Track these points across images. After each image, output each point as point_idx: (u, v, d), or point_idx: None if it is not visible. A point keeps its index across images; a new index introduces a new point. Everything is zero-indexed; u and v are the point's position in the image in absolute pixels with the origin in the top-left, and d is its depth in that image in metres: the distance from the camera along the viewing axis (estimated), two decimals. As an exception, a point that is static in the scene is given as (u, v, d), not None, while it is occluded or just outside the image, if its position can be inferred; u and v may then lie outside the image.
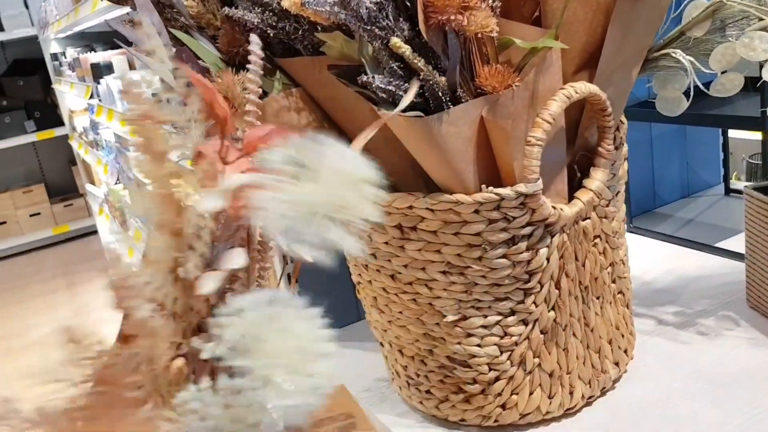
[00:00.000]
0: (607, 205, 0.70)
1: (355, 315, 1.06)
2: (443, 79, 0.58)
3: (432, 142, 0.60)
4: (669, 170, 1.33)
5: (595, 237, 0.70)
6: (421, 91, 0.58)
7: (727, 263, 1.03)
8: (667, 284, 1.00)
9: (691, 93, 0.72)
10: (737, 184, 1.39)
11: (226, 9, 0.62)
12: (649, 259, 1.08)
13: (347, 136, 0.69)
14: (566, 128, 0.67)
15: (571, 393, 0.72)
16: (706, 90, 0.72)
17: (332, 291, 1.04)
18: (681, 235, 1.17)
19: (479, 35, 0.59)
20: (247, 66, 0.48)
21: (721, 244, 1.11)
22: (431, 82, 0.57)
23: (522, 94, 0.61)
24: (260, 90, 0.48)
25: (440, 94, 0.57)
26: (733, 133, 1.70)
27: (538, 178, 0.61)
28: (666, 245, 1.15)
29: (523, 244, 0.64)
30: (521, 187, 0.61)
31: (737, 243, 1.01)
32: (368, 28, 0.53)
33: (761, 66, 0.68)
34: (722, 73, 0.72)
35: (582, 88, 0.61)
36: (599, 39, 0.64)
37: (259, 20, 0.61)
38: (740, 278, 0.91)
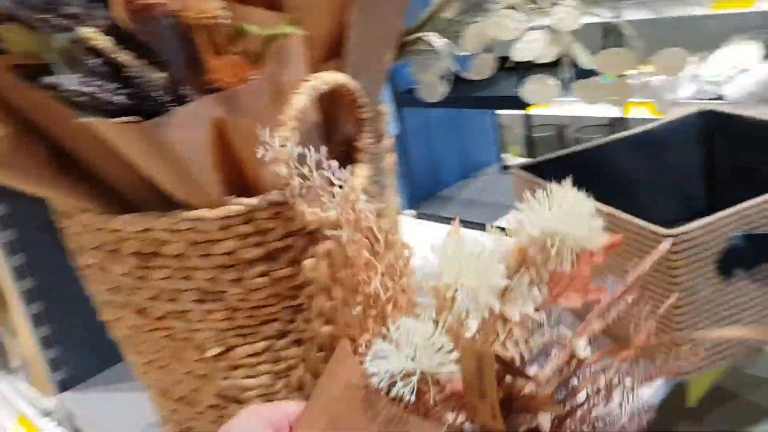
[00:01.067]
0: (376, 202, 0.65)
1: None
2: (161, 75, 0.48)
3: (156, 152, 0.50)
4: (448, 153, 1.34)
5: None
6: (133, 91, 0.47)
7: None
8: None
9: (449, 77, 0.69)
10: (513, 160, 1.44)
11: None
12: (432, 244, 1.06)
13: (59, 146, 0.57)
14: (321, 122, 0.60)
15: (358, 409, 0.66)
16: (462, 70, 0.69)
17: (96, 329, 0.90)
18: (463, 217, 1.18)
19: (204, 22, 0.50)
20: None
21: (500, 223, 1.12)
22: (143, 80, 0.47)
23: (262, 89, 0.53)
24: None
25: (156, 93, 0.47)
26: (508, 110, 1.78)
27: (291, 183, 0.54)
28: (449, 228, 1.15)
29: (283, 258, 0.57)
30: (273, 195, 0.54)
31: (514, 221, 1.02)
32: (46, 17, 0.42)
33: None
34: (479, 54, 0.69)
35: (329, 78, 0.55)
36: (343, 24, 0.58)
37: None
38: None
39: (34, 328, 0.88)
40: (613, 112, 1.97)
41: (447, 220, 1.18)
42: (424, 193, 1.28)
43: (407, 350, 0.45)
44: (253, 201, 0.53)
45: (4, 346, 1.42)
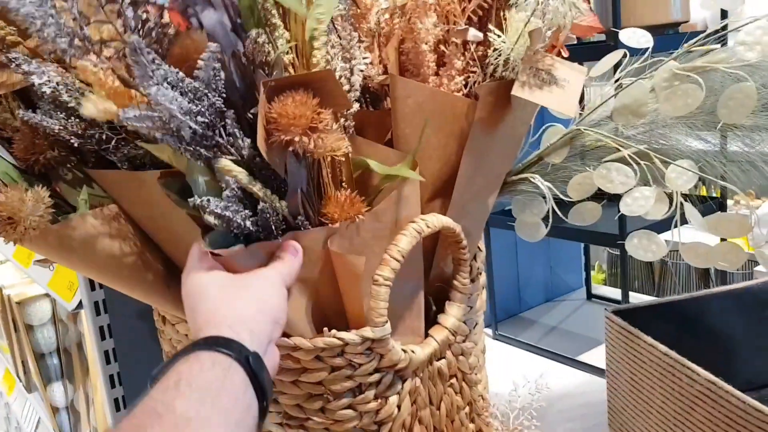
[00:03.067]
0: (464, 341, 0.64)
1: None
2: (283, 203, 0.50)
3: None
4: (533, 274, 1.32)
5: (451, 377, 0.64)
6: (259, 218, 0.50)
7: (589, 380, 1.01)
8: (530, 403, 0.95)
9: (550, 219, 0.69)
10: (598, 288, 1.41)
11: (22, 112, 0.52)
12: (513, 373, 1.04)
13: (171, 261, 0.60)
14: (426, 256, 0.61)
15: None
16: (564, 217, 0.69)
17: None
18: (544, 344, 1.15)
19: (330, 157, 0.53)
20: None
21: (583, 356, 1.09)
22: (269, 210, 0.49)
23: (370, 226, 0.54)
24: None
25: (274, 223, 0.49)
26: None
27: (386, 321, 0.54)
28: (530, 356, 1.12)
29: (370, 393, 0.56)
30: (367, 332, 0.54)
31: (598, 356, 0.99)
32: (191, 148, 0.45)
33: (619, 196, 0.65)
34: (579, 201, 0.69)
35: (434, 222, 0.56)
36: (454, 166, 0.59)
37: (61, 127, 0.51)
38: (601, 397, 0.88)
39: (113, 412, 0.90)
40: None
41: (526, 345, 1.15)
42: (505, 314, 1.26)
43: None
44: (348, 335, 0.54)
45: (78, 411, 1.46)
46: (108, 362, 0.91)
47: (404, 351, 0.57)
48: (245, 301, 0.44)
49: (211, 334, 0.41)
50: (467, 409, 0.67)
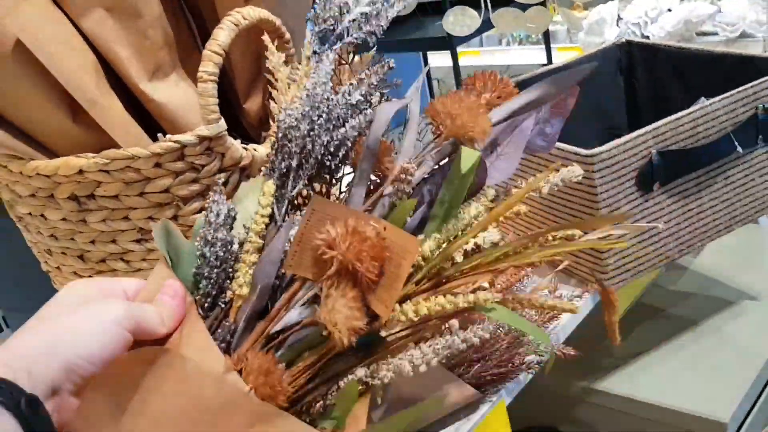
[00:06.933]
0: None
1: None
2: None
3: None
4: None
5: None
6: None
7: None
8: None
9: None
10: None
11: None
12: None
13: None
14: (255, 61, 0.62)
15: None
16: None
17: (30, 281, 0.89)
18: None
19: None
20: None
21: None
22: None
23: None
24: None
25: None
26: (437, 62, 1.81)
27: (220, 118, 0.55)
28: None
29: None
30: (203, 130, 0.55)
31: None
32: None
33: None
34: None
35: (250, 13, 0.56)
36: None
37: None
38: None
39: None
40: (543, 58, 2.01)
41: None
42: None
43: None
44: (184, 137, 0.54)
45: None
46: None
47: (245, 148, 0.58)
48: (40, 336, 0.37)
49: None
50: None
